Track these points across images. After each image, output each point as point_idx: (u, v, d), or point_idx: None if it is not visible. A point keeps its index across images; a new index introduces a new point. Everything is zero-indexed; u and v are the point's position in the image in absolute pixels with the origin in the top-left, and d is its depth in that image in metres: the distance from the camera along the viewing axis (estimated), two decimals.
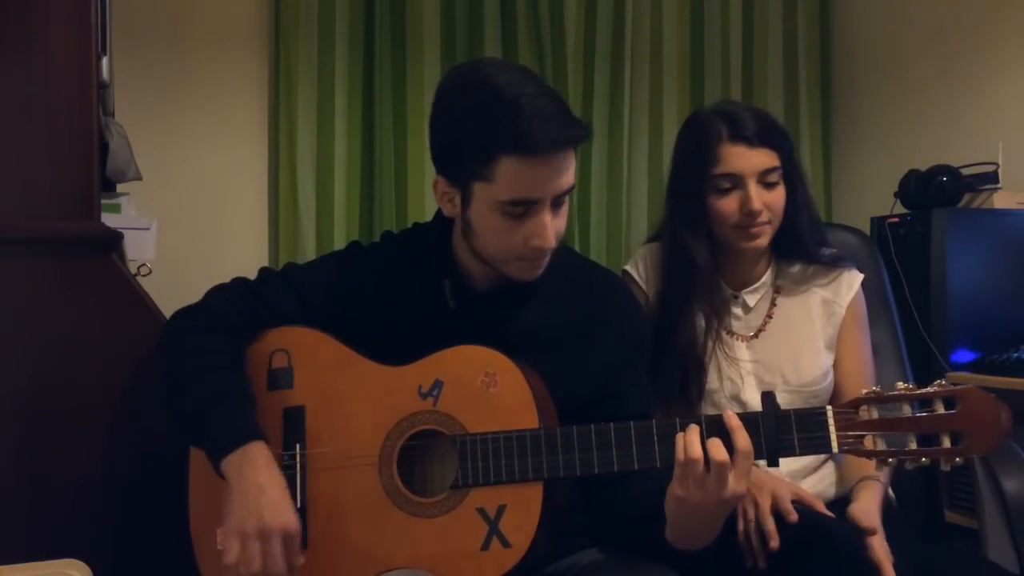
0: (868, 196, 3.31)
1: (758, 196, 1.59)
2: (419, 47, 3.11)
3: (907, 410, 1.21)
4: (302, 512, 1.34)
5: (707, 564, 1.42)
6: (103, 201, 1.59)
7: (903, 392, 1.22)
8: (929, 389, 1.21)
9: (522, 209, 1.29)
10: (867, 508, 1.53)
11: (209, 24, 3.01)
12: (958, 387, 1.20)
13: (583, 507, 1.43)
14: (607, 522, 1.42)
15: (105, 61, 1.69)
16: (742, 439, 1.21)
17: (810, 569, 1.41)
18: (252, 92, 3.07)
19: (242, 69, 3.06)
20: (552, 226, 1.31)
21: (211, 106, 3.01)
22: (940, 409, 1.20)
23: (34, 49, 1.51)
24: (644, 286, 1.72)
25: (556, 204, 1.32)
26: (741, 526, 1.47)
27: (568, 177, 1.31)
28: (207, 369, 1.36)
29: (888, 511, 1.64)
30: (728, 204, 1.61)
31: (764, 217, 1.61)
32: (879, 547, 1.48)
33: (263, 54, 3.07)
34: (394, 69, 3.10)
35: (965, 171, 2.79)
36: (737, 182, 1.60)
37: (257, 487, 1.27)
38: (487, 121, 1.27)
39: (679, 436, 1.23)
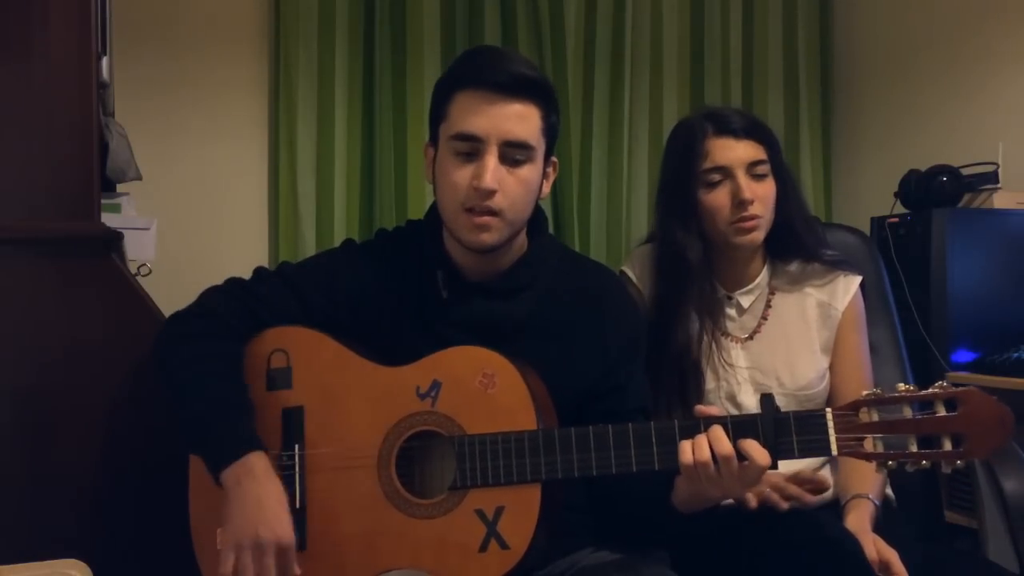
0: (868, 196, 3.31)
1: (747, 186, 1.61)
2: (419, 47, 3.10)
3: (908, 412, 1.20)
4: (301, 512, 1.34)
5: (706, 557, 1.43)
6: (103, 201, 1.59)
7: (904, 394, 1.20)
8: (930, 391, 1.20)
9: (468, 147, 1.34)
10: (855, 526, 1.52)
11: (209, 24, 3.01)
12: (959, 389, 1.19)
13: (583, 506, 1.43)
14: (608, 502, 1.43)
15: (105, 61, 1.69)
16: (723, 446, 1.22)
17: (814, 569, 1.40)
18: (252, 92, 3.06)
19: (242, 69, 3.05)
20: (494, 171, 1.33)
21: (211, 106, 3.00)
22: (941, 411, 1.19)
23: (34, 49, 1.51)
24: (640, 287, 1.72)
25: (508, 160, 1.35)
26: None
27: (519, 128, 1.34)
28: (205, 378, 1.36)
29: (888, 511, 1.64)
30: (719, 197, 1.62)
31: (756, 209, 1.61)
32: (882, 550, 1.48)
33: (263, 54, 3.07)
34: (394, 69, 3.10)
35: (965, 171, 2.79)
36: (726, 174, 1.62)
37: (255, 499, 1.27)
38: (455, 65, 1.41)
39: (684, 443, 1.24)
